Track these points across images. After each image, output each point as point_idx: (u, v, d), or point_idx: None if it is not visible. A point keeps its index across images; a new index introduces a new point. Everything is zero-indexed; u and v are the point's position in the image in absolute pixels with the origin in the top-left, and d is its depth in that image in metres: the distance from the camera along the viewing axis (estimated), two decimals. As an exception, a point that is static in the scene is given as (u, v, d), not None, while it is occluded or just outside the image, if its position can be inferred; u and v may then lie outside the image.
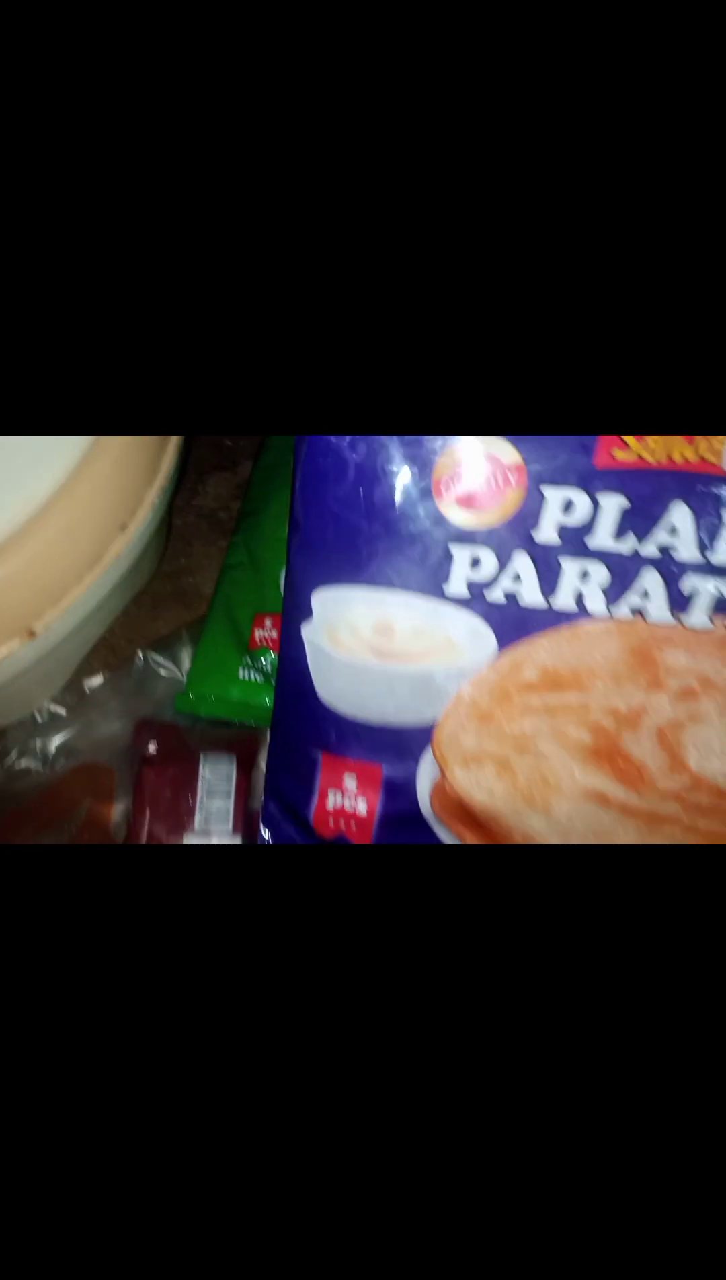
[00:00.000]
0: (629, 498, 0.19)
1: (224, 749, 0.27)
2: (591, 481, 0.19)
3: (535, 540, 0.19)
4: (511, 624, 0.20)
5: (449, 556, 0.20)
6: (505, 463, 0.19)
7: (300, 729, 0.23)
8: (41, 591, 0.24)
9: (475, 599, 0.20)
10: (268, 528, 0.32)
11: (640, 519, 0.19)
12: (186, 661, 0.30)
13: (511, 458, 0.19)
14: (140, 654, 0.29)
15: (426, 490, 0.19)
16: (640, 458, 0.18)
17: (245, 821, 0.27)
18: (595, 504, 0.19)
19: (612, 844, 0.23)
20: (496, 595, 0.20)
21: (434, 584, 0.20)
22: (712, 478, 0.18)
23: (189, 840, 0.26)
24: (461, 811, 0.23)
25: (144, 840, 0.27)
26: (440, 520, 0.19)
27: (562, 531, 0.19)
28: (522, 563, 0.20)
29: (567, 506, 0.19)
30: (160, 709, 0.28)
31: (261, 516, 0.31)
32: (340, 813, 0.23)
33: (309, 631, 0.21)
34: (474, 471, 0.19)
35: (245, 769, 0.26)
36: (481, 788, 0.22)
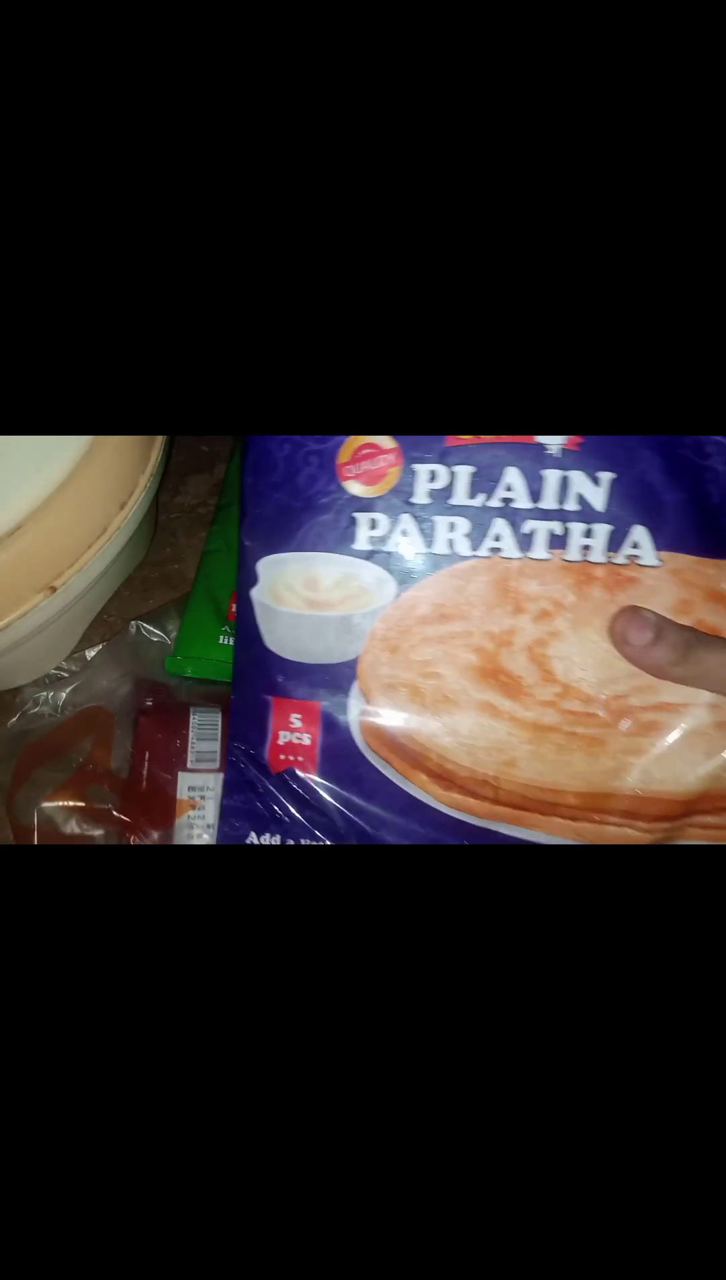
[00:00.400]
0: (474, 466, 0.26)
1: (209, 701, 0.33)
2: (446, 456, 0.26)
3: (413, 503, 0.26)
4: (405, 570, 0.26)
5: (353, 522, 0.26)
6: (385, 448, 0.26)
7: (254, 678, 0.28)
8: (60, 554, 0.31)
9: (376, 553, 0.27)
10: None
11: (485, 481, 0.26)
12: (173, 631, 0.36)
13: (389, 444, 0.26)
14: (133, 624, 0.37)
15: (332, 474, 0.26)
16: (476, 436, 0.25)
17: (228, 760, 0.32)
18: (452, 473, 0.26)
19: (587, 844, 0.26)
20: (391, 548, 0.26)
21: (345, 544, 0.27)
22: (530, 446, 0.25)
23: (182, 776, 0.31)
24: (384, 735, 0.28)
25: (144, 775, 0.33)
26: (344, 495, 0.26)
27: (431, 494, 0.26)
28: (407, 521, 0.26)
29: (432, 476, 0.26)
30: (151, 670, 0.35)
31: (235, 509, 0.36)
32: (289, 747, 0.29)
33: (256, 593, 0.28)
34: (364, 456, 0.26)
35: (227, 717, 0.32)
36: (398, 708, 0.28)
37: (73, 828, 0.34)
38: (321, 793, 0.28)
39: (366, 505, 0.26)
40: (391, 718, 0.27)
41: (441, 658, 0.27)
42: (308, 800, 0.29)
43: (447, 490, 0.26)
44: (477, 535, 0.26)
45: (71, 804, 0.34)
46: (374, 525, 0.26)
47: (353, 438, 0.26)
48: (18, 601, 0.30)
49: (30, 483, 0.29)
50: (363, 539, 0.26)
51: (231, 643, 0.34)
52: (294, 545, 0.27)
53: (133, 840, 0.33)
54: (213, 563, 0.38)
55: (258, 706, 0.29)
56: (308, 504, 0.27)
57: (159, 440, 0.33)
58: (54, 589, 0.30)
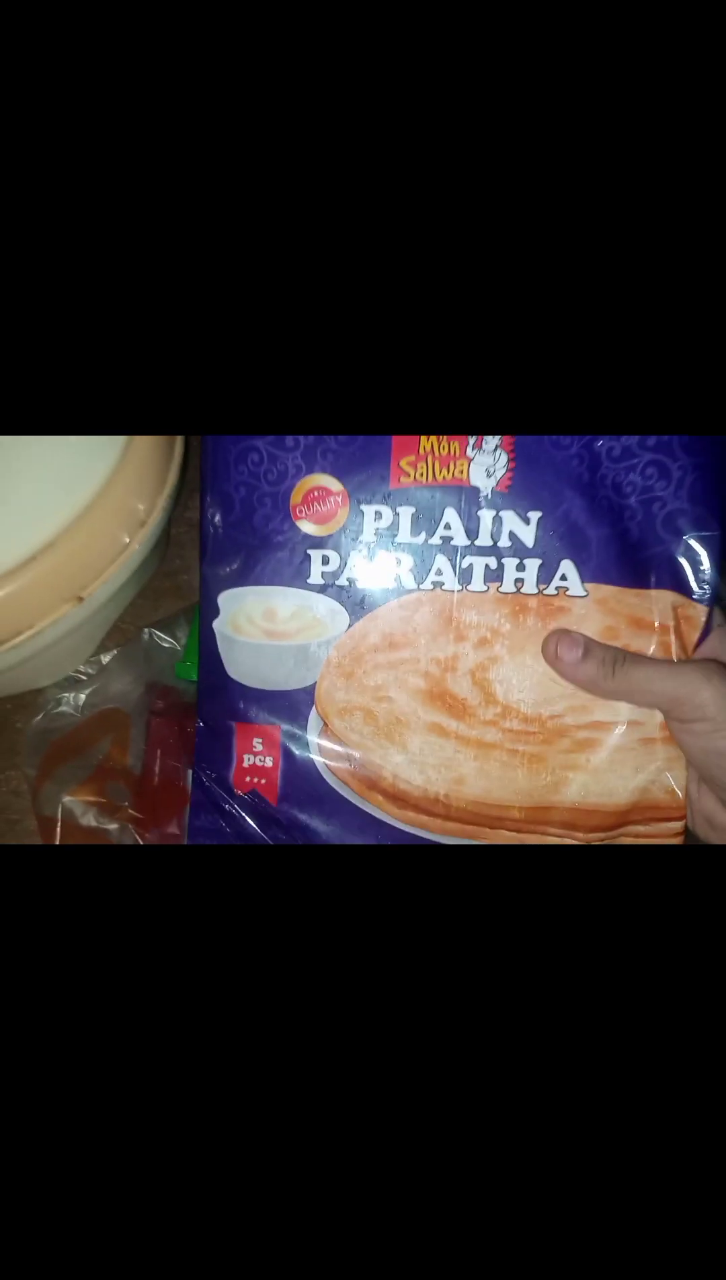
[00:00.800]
0: (415, 506, 0.28)
1: None
2: (389, 498, 0.28)
3: (361, 540, 0.28)
4: (356, 602, 0.28)
5: (307, 558, 0.28)
6: (333, 490, 0.28)
7: (217, 705, 0.30)
8: (86, 567, 0.33)
9: (329, 586, 0.28)
10: None
11: (426, 520, 0.28)
12: (182, 637, 0.39)
13: (337, 487, 0.28)
14: (146, 631, 0.39)
15: (286, 514, 0.28)
16: (416, 479, 0.28)
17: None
18: (395, 513, 0.28)
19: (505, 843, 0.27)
20: (342, 582, 0.28)
21: (300, 578, 0.28)
22: (465, 488, 0.27)
23: (190, 773, 0.33)
24: (343, 757, 0.30)
25: (156, 772, 0.36)
26: (298, 533, 0.28)
27: (377, 533, 0.28)
28: (356, 558, 0.28)
29: (378, 516, 0.28)
30: (162, 674, 0.38)
31: None
32: (252, 769, 0.30)
33: (218, 624, 0.30)
34: (315, 499, 0.28)
35: None
36: (353, 731, 0.29)
37: (91, 821, 0.36)
38: (285, 813, 0.30)
39: (318, 543, 0.28)
40: (348, 734, 0.29)
41: (392, 682, 0.29)
42: (272, 819, 0.30)
43: (392, 529, 0.28)
44: (421, 570, 0.28)
45: (91, 799, 0.36)
46: (326, 561, 0.28)
47: (304, 479, 0.28)
48: (48, 610, 0.33)
49: (61, 503, 0.32)
50: (316, 573, 0.28)
51: None
52: (252, 579, 0.29)
53: (146, 834, 0.35)
54: None
55: (221, 732, 0.31)
56: (264, 541, 0.29)
57: (175, 462, 0.36)
58: (81, 599, 0.33)
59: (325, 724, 0.29)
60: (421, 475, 0.27)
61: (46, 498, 0.32)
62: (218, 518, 0.29)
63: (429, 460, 0.27)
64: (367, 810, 0.30)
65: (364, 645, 0.29)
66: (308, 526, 0.28)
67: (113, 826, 0.35)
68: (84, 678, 0.39)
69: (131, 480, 0.33)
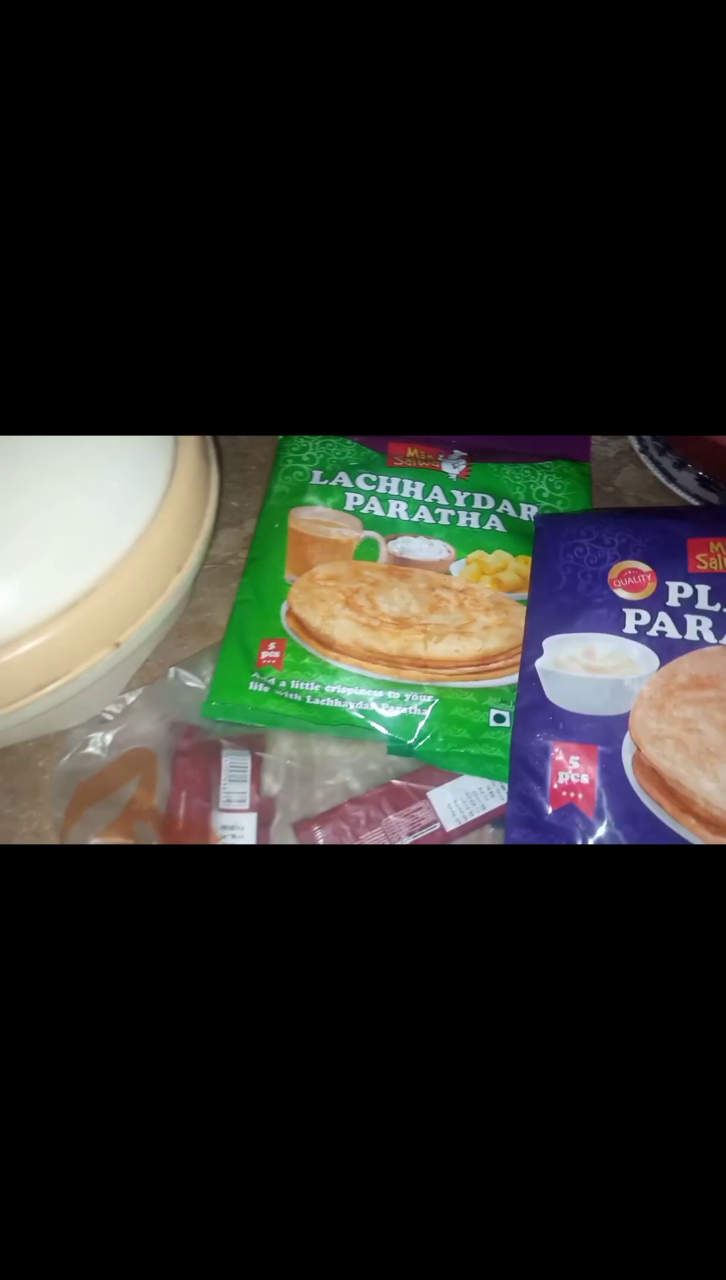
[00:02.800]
0: (711, 585, 0.36)
1: (240, 744, 0.37)
2: (690, 578, 0.36)
3: (667, 605, 0.35)
4: (665, 649, 0.35)
5: (623, 615, 0.35)
6: (643, 570, 0.36)
7: (537, 724, 0.34)
8: (125, 613, 0.34)
9: (641, 635, 0.35)
10: (269, 571, 0.43)
11: (720, 595, 0.35)
12: (207, 676, 0.41)
13: (646, 569, 0.36)
14: (172, 670, 0.41)
15: (605, 585, 0.36)
16: (710, 568, 0.36)
17: (258, 800, 0.37)
18: (695, 588, 0.36)
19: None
20: (653, 633, 0.35)
21: (617, 628, 0.35)
22: (749, 579, 0.36)
23: (216, 815, 0.33)
24: (655, 778, 0.32)
25: (181, 812, 0.36)
26: (615, 598, 0.36)
27: (681, 601, 0.35)
28: (663, 617, 0.35)
29: (681, 590, 0.36)
30: (187, 713, 0.39)
31: (264, 563, 0.44)
32: (569, 785, 0.32)
33: (541, 663, 0.35)
34: (629, 575, 0.36)
35: (256, 760, 0.36)
36: (665, 758, 0.32)
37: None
38: (598, 829, 0.31)
39: (632, 604, 0.36)
40: (661, 762, 0.32)
41: (701, 716, 0.33)
42: (585, 835, 0.31)
43: (692, 599, 0.36)
44: (718, 630, 0.35)
45: (120, 841, 0.36)
46: (639, 617, 0.35)
47: (619, 563, 0.37)
48: (85, 655, 0.33)
49: (102, 551, 0.33)
50: (630, 625, 0.35)
51: (260, 688, 0.39)
52: (575, 628, 0.36)
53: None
54: (243, 612, 0.43)
55: (538, 751, 0.33)
56: (585, 602, 0.36)
57: (210, 510, 0.39)
58: (117, 644, 0.34)
59: (638, 749, 0.32)
60: (713, 565, 0.36)
61: (88, 545, 0.33)
62: (545, 588, 0.37)
63: (718, 557, 0.36)
64: (680, 832, 0.31)
65: (674, 683, 0.34)
66: (623, 594, 0.36)
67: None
68: (110, 718, 0.39)
69: (170, 527, 0.35)
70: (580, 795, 0.32)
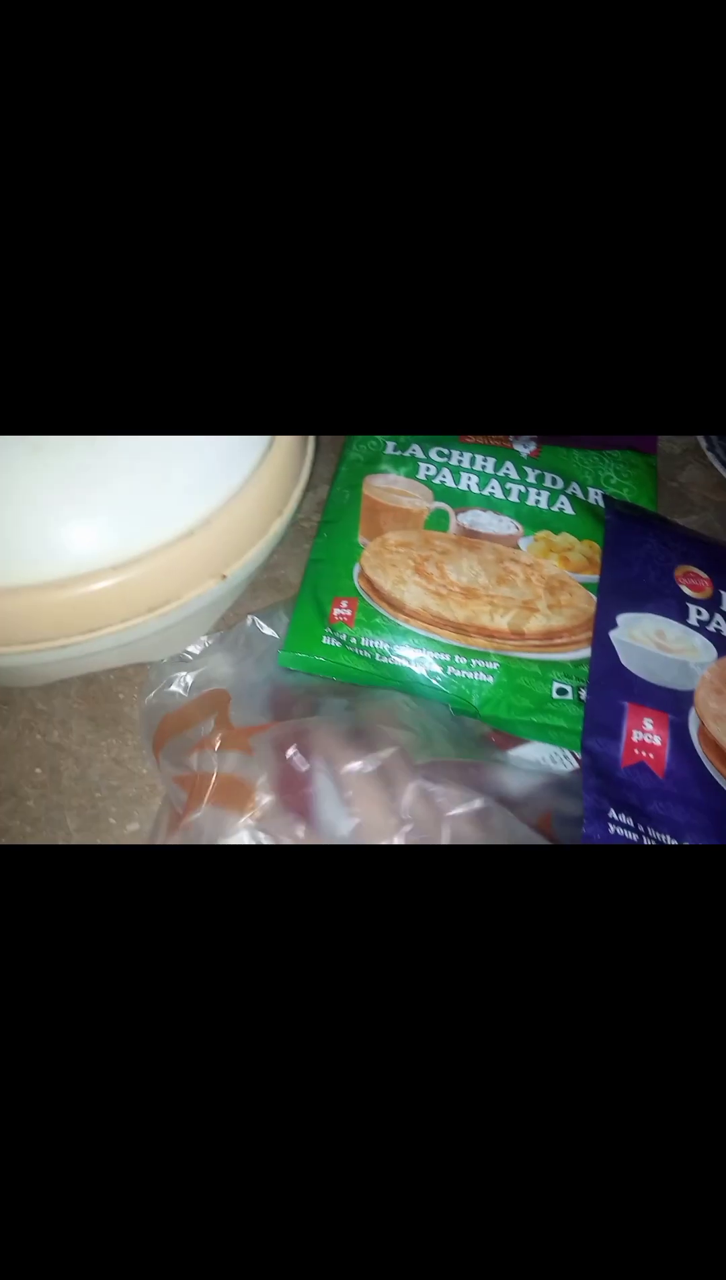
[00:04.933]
0: None
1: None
2: (738, 588, 0.41)
3: (721, 609, 0.40)
4: (721, 644, 0.39)
5: (687, 608, 0.39)
6: (703, 576, 0.41)
7: (612, 686, 0.37)
8: (232, 547, 0.36)
9: (702, 629, 0.39)
10: (343, 534, 0.45)
11: None
12: (281, 626, 0.43)
13: (705, 575, 0.41)
14: (249, 618, 0.43)
15: (671, 579, 0.40)
16: None
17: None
18: None
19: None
20: (711, 629, 0.39)
21: (682, 618, 0.39)
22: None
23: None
24: (718, 750, 0.35)
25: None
26: (681, 592, 0.40)
27: (732, 605, 0.40)
28: (719, 618, 0.40)
29: (731, 596, 0.41)
30: (262, 659, 0.41)
31: (338, 525, 0.45)
32: (642, 744, 0.35)
33: (615, 634, 0.38)
34: (691, 577, 0.40)
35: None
36: (725, 735, 0.36)
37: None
38: (669, 789, 0.34)
39: (694, 600, 0.40)
40: (722, 738, 0.35)
41: (753, 701, 0.37)
42: (657, 792, 0.34)
43: (741, 605, 0.40)
44: (765, 633, 0.40)
45: (194, 768, 0.35)
46: (700, 613, 0.39)
47: (682, 566, 0.41)
48: (196, 583, 0.36)
49: (218, 487, 0.36)
50: (692, 618, 0.39)
51: (332, 642, 0.41)
52: (646, 609, 0.39)
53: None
54: (317, 570, 0.44)
55: (614, 709, 0.36)
56: (655, 590, 0.40)
57: (308, 459, 0.42)
58: (224, 576, 0.36)
59: (702, 723, 0.36)
60: (756, 579, 0.41)
61: (204, 479, 0.35)
62: (615, 574, 0.40)
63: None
64: (741, 800, 0.34)
65: (730, 673, 0.38)
66: (687, 590, 0.40)
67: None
68: (190, 658, 0.42)
69: (276, 471, 0.38)
70: (651, 755, 0.35)
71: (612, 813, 0.34)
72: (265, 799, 0.34)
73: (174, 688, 0.39)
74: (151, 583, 0.33)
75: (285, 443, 0.38)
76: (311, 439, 0.43)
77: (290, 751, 0.35)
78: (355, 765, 0.34)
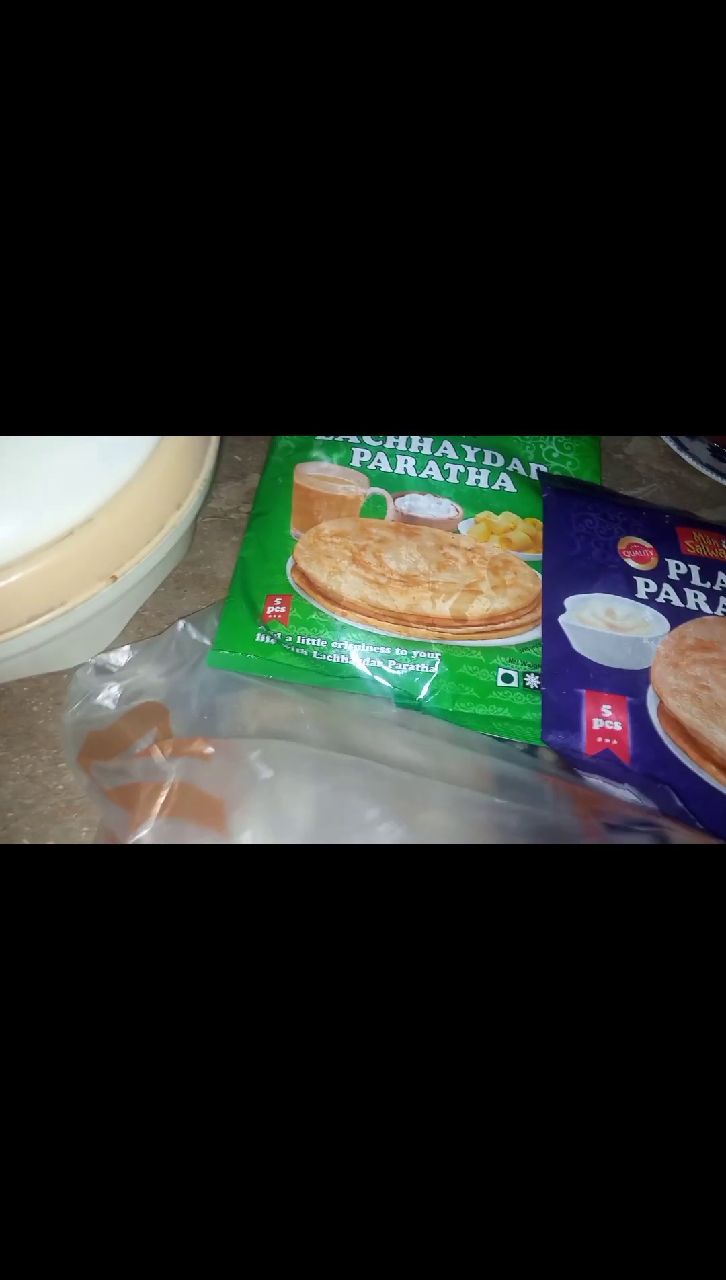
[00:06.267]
0: (700, 567, 0.39)
1: None
2: (682, 557, 0.39)
3: (669, 578, 0.38)
4: (672, 614, 0.37)
5: (633, 581, 0.38)
6: (646, 546, 0.39)
7: (568, 674, 0.34)
8: (122, 547, 0.33)
9: (651, 601, 0.37)
10: (274, 526, 0.42)
11: (708, 575, 0.39)
12: (212, 631, 0.40)
13: (648, 545, 0.39)
14: (181, 623, 0.40)
15: (615, 553, 0.38)
16: (697, 551, 0.40)
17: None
18: (688, 567, 0.39)
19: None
20: (660, 600, 0.37)
21: (630, 592, 0.37)
22: (723, 563, 0.40)
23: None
24: (678, 727, 0.34)
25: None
26: (627, 566, 0.38)
27: (679, 576, 0.38)
28: (667, 587, 0.38)
29: (678, 567, 0.39)
30: (196, 667, 0.38)
31: (269, 517, 0.42)
32: (603, 731, 0.33)
33: (565, 619, 0.36)
34: (635, 548, 0.39)
35: None
36: (684, 710, 0.34)
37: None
38: (637, 774, 0.32)
39: (641, 574, 0.38)
40: (681, 713, 0.34)
41: (708, 675, 0.35)
42: (626, 777, 0.32)
43: (687, 576, 0.39)
44: (711, 603, 0.38)
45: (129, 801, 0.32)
46: (647, 585, 0.38)
47: (624, 537, 0.39)
48: (82, 587, 0.33)
49: (101, 480, 0.32)
50: (641, 591, 0.37)
51: (266, 640, 0.38)
52: (594, 589, 0.37)
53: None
54: (247, 567, 0.42)
55: (571, 699, 0.34)
56: (599, 567, 0.38)
57: (212, 448, 0.38)
58: (114, 578, 0.34)
59: (661, 700, 0.34)
60: (699, 550, 0.40)
61: (87, 474, 0.32)
62: (557, 550, 0.38)
63: (701, 544, 0.40)
64: (705, 778, 0.33)
65: (683, 645, 0.36)
66: (632, 563, 0.38)
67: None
68: (115, 669, 0.38)
69: (171, 462, 0.34)
70: (615, 741, 0.34)
71: None
72: (233, 811, 0.31)
73: (100, 700, 0.36)
74: (28, 590, 0.30)
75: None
76: None
77: (253, 755, 0.32)
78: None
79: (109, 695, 0.37)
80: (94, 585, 0.32)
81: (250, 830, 0.30)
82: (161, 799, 0.30)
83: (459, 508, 0.43)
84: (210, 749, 0.32)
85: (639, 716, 0.34)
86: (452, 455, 0.44)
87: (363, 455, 0.43)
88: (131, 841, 0.31)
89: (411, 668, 0.38)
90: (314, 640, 0.39)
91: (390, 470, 0.43)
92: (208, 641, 0.39)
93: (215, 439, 0.39)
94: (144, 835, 0.31)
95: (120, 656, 0.38)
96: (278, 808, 0.31)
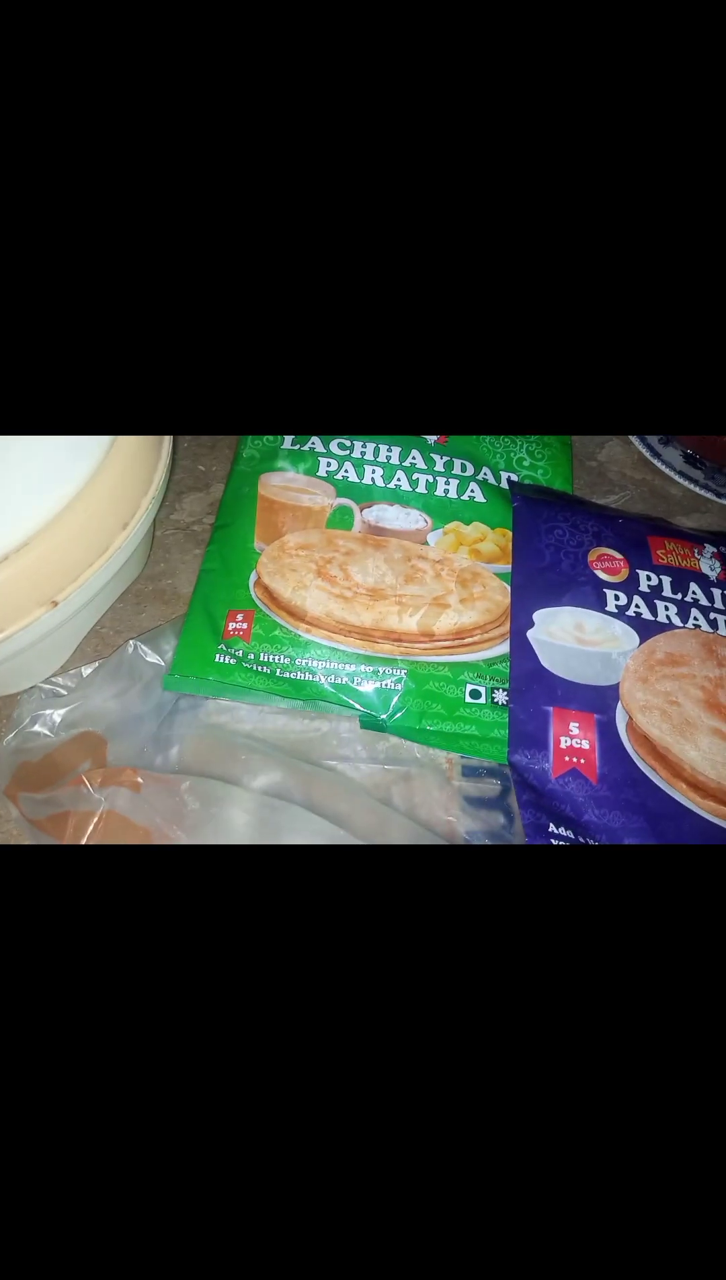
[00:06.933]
0: (671, 578, 0.38)
1: None
2: (655, 569, 0.38)
3: (639, 590, 0.37)
4: (642, 628, 0.36)
5: (604, 594, 0.37)
6: (617, 557, 0.38)
7: (536, 692, 0.34)
8: (63, 571, 0.32)
9: (621, 615, 0.36)
10: (238, 539, 0.41)
11: (679, 587, 0.38)
12: (169, 651, 0.38)
13: (619, 555, 0.38)
14: (131, 644, 0.38)
15: (585, 565, 0.37)
16: (668, 562, 0.39)
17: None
18: (659, 578, 0.38)
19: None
20: (630, 613, 0.36)
21: (600, 605, 0.36)
22: (696, 574, 0.39)
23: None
24: (648, 744, 0.33)
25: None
26: (596, 579, 0.37)
27: (649, 588, 0.38)
28: (638, 600, 0.37)
29: (649, 578, 0.38)
30: (149, 687, 0.36)
31: (232, 529, 0.41)
32: (571, 750, 0.32)
33: (533, 633, 0.35)
34: (605, 559, 0.38)
35: None
36: (653, 726, 0.33)
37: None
38: (604, 794, 0.31)
39: (610, 585, 0.37)
40: (651, 730, 0.33)
41: (677, 691, 0.35)
42: (593, 799, 0.31)
43: (659, 588, 0.38)
44: (682, 616, 0.37)
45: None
46: (618, 598, 0.37)
47: (595, 549, 0.38)
48: (20, 614, 0.31)
49: (39, 501, 0.31)
50: (611, 604, 0.37)
51: (226, 660, 0.37)
52: (563, 603, 0.36)
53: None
54: (209, 580, 0.40)
55: (539, 718, 0.33)
56: (569, 580, 0.37)
57: (162, 464, 0.36)
58: (55, 603, 0.32)
59: (630, 717, 0.33)
60: (671, 560, 0.39)
61: (22, 496, 0.30)
62: (526, 563, 0.37)
63: (674, 554, 0.39)
64: (675, 797, 0.32)
65: (653, 659, 0.35)
66: (602, 575, 0.37)
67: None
68: (64, 692, 0.36)
69: (115, 481, 0.32)
70: (582, 760, 0.33)
71: (551, 827, 0.31)
72: (158, 842, 0.30)
73: (37, 727, 0.34)
74: None
75: (127, 444, 0.33)
76: (166, 440, 0.36)
77: (185, 785, 0.31)
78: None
79: (48, 723, 0.35)
80: (33, 611, 0.31)
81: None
82: (90, 828, 0.29)
83: (427, 518, 0.42)
84: (140, 779, 0.31)
85: (607, 734, 0.33)
86: (421, 465, 0.43)
87: (329, 465, 0.42)
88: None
89: (377, 684, 0.37)
90: (277, 657, 0.38)
91: (357, 480, 0.42)
92: (161, 661, 0.38)
93: (166, 454, 0.37)
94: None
95: (69, 679, 0.36)
96: (202, 840, 0.30)
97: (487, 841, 0.33)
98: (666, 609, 0.38)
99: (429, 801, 0.33)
